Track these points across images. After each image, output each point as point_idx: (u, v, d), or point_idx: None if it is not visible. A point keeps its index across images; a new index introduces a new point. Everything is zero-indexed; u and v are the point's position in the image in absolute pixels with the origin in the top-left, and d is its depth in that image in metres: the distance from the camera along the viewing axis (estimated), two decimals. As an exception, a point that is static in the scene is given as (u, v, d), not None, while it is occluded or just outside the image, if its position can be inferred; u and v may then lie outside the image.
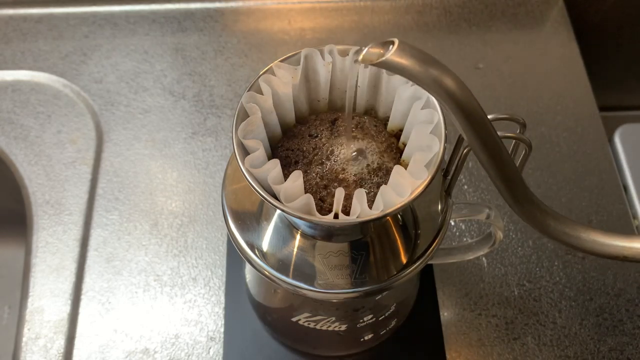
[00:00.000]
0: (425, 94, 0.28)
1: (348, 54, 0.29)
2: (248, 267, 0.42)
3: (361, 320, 0.38)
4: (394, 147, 0.30)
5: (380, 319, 0.39)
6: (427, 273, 0.48)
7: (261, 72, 0.29)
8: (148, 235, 0.50)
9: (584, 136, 0.56)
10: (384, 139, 0.30)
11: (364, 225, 0.31)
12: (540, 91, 0.59)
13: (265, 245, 0.32)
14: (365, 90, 0.30)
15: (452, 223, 0.51)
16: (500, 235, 0.37)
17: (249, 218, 0.32)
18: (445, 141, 0.27)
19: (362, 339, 0.42)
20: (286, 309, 0.40)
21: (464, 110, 0.24)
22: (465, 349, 0.46)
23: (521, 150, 0.30)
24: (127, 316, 0.47)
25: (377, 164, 0.29)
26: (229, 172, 0.33)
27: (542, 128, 0.56)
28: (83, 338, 0.46)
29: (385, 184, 0.27)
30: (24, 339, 0.46)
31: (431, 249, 0.32)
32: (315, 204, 0.26)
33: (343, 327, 0.38)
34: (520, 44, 0.62)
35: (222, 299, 0.47)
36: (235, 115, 0.28)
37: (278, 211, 0.32)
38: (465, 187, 0.53)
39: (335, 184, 0.28)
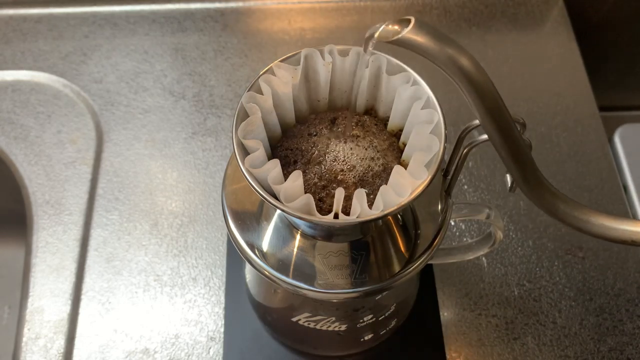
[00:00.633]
0: (425, 94, 0.28)
1: (348, 54, 0.29)
2: (248, 267, 0.42)
3: (361, 320, 0.38)
4: (394, 146, 0.30)
5: (380, 319, 0.39)
6: (427, 273, 0.48)
7: (261, 72, 0.29)
8: (148, 235, 0.50)
9: (584, 136, 0.56)
10: (385, 137, 0.30)
11: (364, 225, 0.31)
12: (540, 91, 0.59)
13: (265, 245, 0.32)
14: (365, 90, 0.30)
15: (452, 223, 0.51)
16: (500, 235, 0.37)
17: (249, 218, 0.32)
18: (445, 141, 0.27)
19: (362, 339, 0.42)
20: (286, 309, 0.40)
21: (479, 89, 0.24)
22: (465, 349, 0.46)
23: (521, 150, 0.30)
24: (127, 316, 0.47)
25: (382, 163, 0.29)
26: (229, 172, 0.33)
27: (542, 128, 0.56)
28: (83, 338, 0.46)
29: (386, 183, 0.27)
30: (24, 339, 0.46)
31: (431, 249, 0.32)
32: (315, 204, 0.26)
33: (343, 327, 0.38)
34: (520, 44, 0.62)
35: (222, 299, 0.47)
36: (235, 115, 0.28)
37: (278, 211, 0.32)
38: (465, 187, 0.53)
39: (334, 184, 0.28)
